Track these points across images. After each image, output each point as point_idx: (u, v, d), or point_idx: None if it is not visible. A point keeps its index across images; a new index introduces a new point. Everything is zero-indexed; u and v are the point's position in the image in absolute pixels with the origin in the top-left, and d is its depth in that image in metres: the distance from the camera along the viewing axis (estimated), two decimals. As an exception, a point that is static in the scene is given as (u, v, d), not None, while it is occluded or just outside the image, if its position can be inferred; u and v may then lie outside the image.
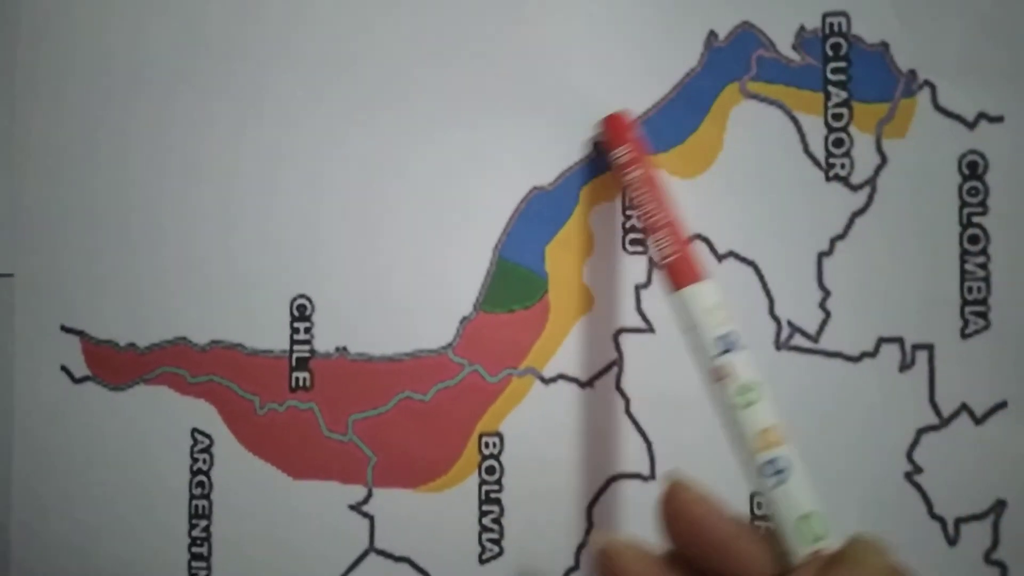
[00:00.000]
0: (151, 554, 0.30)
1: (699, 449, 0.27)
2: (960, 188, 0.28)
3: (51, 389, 0.30)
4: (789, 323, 0.28)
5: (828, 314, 0.28)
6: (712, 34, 0.28)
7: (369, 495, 0.29)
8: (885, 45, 0.28)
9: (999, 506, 0.27)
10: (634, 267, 0.28)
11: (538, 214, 0.29)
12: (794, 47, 0.28)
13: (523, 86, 0.29)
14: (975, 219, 0.27)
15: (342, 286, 0.29)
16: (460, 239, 0.29)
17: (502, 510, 0.28)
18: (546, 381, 0.29)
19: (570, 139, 0.28)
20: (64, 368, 0.30)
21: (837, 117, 0.28)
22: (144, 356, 0.30)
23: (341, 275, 0.29)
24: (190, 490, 0.29)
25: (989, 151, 0.27)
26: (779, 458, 0.22)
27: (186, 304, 0.30)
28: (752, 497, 0.27)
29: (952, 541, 0.27)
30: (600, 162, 0.29)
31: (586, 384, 0.28)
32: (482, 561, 0.28)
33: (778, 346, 0.28)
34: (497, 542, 0.28)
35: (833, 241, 0.28)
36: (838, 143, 0.28)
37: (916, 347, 0.28)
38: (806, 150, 0.28)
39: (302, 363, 0.29)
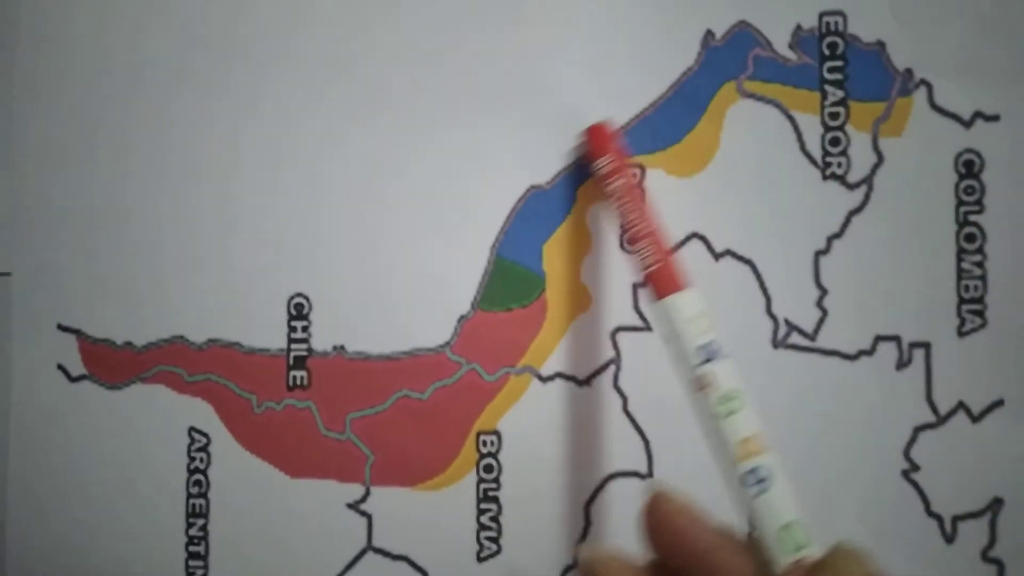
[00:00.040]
0: (148, 553, 0.29)
1: (696, 447, 0.26)
2: (956, 187, 0.28)
3: (48, 388, 0.30)
4: (786, 321, 0.28)
5: (825, 312, 0.28)
6: (709, 33, 0.29)
7: (367, 494, 0.29)
8: (881, 44, 0.28)
9: (996, 504, 0.27)
10: (631, 266, 0.28)
11: (536, 213, 0.29)
12: (791, 46, 0.28)
13: (521, 86, 0.29)
14: (972, 218, 0.28)
15: (340, 285, 0.29)
16: (458, 238, 0.29)
17: (500, 508, 0.28)
18: (544, 380, 0.29)
19: (568, 138, 0.29)
20: (61, 367, 0.30)
21: (834, 116, 0.28)
22: (141, 355, 0.30)
23: (339, 274, 0.29)
24: (187, 489, 0.29)
25: (985, 150, 0.28)
26: (760, 467, 0.22)
27: (183, 303, 0.30)
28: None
29: (949, 539, 0.27)
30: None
31: (583, 382, 0.28)
32: (480, 559, 0.28)
33: (775, 344, 0.28)
34: (495, 540, 0.28)
35: (830, 240, 0.28)
36: (835, 142, 0.28)
37: (913, 345, 0.28)
38: (803, 149, 0.28)
39: (299, 362, 0.29)
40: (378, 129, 0.29)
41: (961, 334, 0.28)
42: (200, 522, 0.29)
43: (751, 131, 0.28)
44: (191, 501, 0.29)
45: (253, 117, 0.30)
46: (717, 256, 0.28)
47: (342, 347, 0.29)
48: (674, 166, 0.28)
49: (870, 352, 0.28)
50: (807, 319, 0.28)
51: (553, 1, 0.29)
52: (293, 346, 0.29)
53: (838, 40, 0.28)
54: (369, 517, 0.29)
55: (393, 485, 0.29)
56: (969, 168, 0.28)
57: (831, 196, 0.28)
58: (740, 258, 0.28)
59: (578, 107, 0.29)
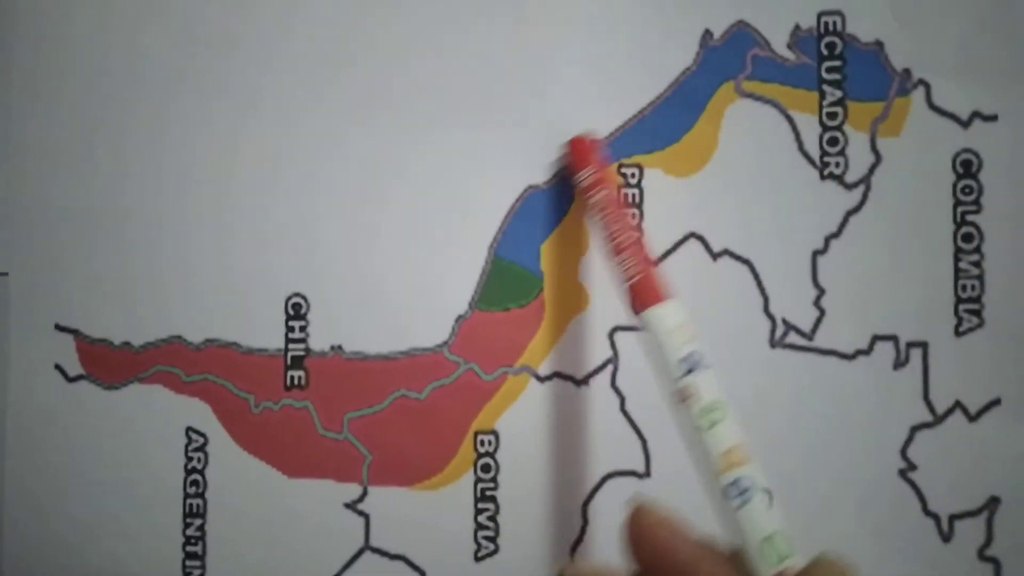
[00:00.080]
0: (145, 553, 0.29)
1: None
2: (954, 186, 0.28)
3: (45, 388, 0.30)
4: (784, 321, 0.28)
5: (823, 312, 0.28)
6: (707, 33, 0.28)
7: (364, 493, 0.29)
8: (880, 44, 0.28)
9: (993, 503, 0.27)
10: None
11: (534, 212, 0.29)
12: (789, 46, 0.28)
13: (519, 85, 0.29)
14: (969, 217, 0.28)
15: (337, 284, 0.29)
16: (456, 238, 0.29)
17: (497, 508, 0.28)
18: (541, 379, 0.29)
19: (565, 138, 0.28)
20: (58, 367, 0.30)
21: (832, 116, 0.28)
22: (139, 355, 0.30)
23: (336, 273, 0.29)
24: (184, 489, 0.29)
25: (983, 150, 0.28)
26: (742, 478, 0.21)
27: (181, 303, 0.30)
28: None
29: (946, 538, 0.27)
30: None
31: (581, 382, 0.28)
32: (477, 559, 0.28)
33: (773, 344, 0.28)
34: (492, 540, 0.28)
35: (828, 239, 0.28)
36: (833, 142, 0.28)
37: (910, 345, 0.28)
38: (801, 149, 0.28)
39: (297, 362, 0.29)
40: (377, 129, 0.29)
41: (958, 334, 0.28)
42: (197, 522, 0.29)
43: (749, 131, 0.28)
44: (188, 501, 0.29)
45: (252, 117, 0.30)
46: (715, 256, 0.28)
47: (340, 347, 0.29)
48: (672, 166, 0.28)
49: (867, 352, 0.28)
50: (805, 319, 0.28)
51: (552, 1, 0.29)
52: (291, 346, 0.29)
53: (836, 40, 0.28)
54: (367, 517, 0.29)
55: (391, 485, 0.29)
56: (967, 168, 0.28)
57: (829, 196, 0.28)
58: (738, 258, 0.28)
59: (577, 107, 0.29)
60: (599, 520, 0.28)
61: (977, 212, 0.28)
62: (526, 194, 0.29)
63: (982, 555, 0.27)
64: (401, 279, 0.29)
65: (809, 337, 0.28)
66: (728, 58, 0.28)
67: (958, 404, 0.27)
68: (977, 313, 0.27)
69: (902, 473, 0.28)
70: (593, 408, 0.28)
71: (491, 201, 0.29)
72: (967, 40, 0.28)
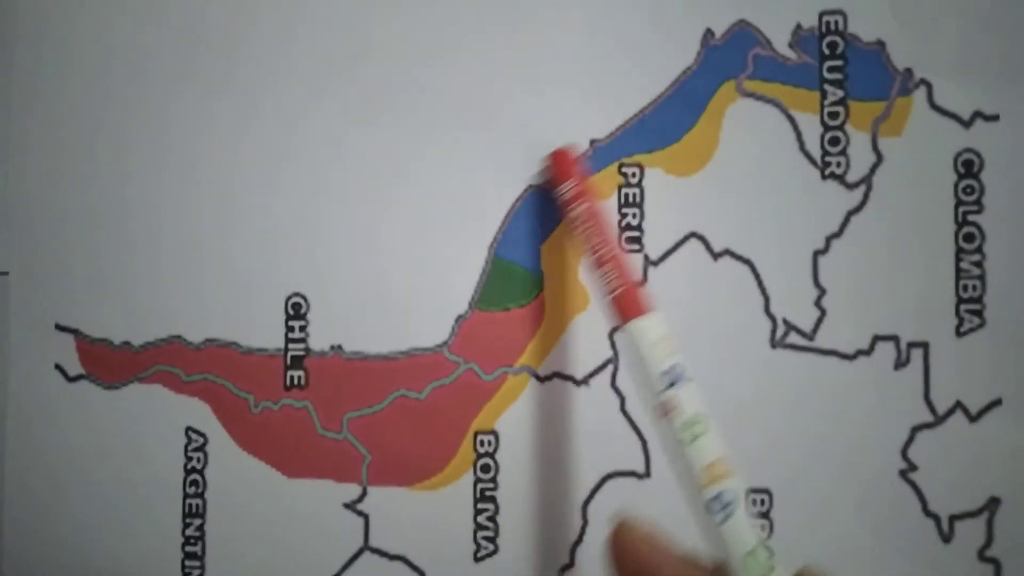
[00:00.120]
0: (145, 553, 0.29)
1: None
2: (956, 186, 0.28)
3: (45, 388, 0.30)
4: (784, 321, 0.28)
5: (824, 312, 0.28)
6: (709, 32, 0.28)
7: (364, 493, 0.29)
8: (881, 44, 0.28)
9: (993, 503, 0.27)
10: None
11: (534, 212, 0.29)
12: (790, 45, 0.28)
13: (520, 85, 0.29)
14: (971, 217, 0.28)
15: (337, 284, 0.29)
16: (456, 237, 0.29)
17: (497, 508, 0.28)
18: (541, 379, 0.29)
19: (566, 138, 0.28)
20: (58, 367, 0.30)
21: (833, 115, 0.28)
22: (138, 355, 0.30)
23: (336, 273, 0.29)
24: (184, 489, 0.29)
25: (985, 149, 0.27)
26: (725, 491, 0.21)
27: (181, 302, 0.30)
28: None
29: (946, 538, 0.27)
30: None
31: (581, 382, 0.28)
32: (477, 559, 0.28)
33: (773, 344, 0.28)
34: (492, 540, 0.28)
35: (829, 239, 0.28)
36: (834, 141, 0.28)
37: (911, 345, 0.28)
38: (802, 148, 0.28)
39: (297, 361, 0.29)
40: (377, 129, 0.29)
41: (959, 334, 0.27)
42: (197, 522, 0.29)
43: (750, 130, 0.28)
44: (188, 501, 0.29)
45: (252, 118, 0.30)
46: (716, 255, 0.28)
47: (340, 347, 0.29)
48: (673, 165, 0.28)
49: (868, 352, 0.28)
50: (805, 319, 0.28)
51: (553, 1, 0.29)
52: (291, 346, 0.29)
53: (838, 39, 0.28)
54: (366, 517, 0.29)
55: (390, 485, 0.29)
56: (968, 168, 0.28)
57: (830, 196, 0.28)
58: (739, 257, 0.28)
59: (577, 106, 0.29)
60: (599, 520, 0.28)
61: (978, 212, 0.27)
62: (526, 194, 0.29)
63: (982, 556, 0.27)
64: (401, 279, 0.29)
65: (810, 337, 0.28)
66: (729, 57, 0.28)
67: (959, 404, 0.27)
68: (978, 313, 0.27)
69: (902, 473, 0.28)
70: (593, 408, 0.28)
71: (491, 201, 0.29)
72: (969, 40, 0.28)
